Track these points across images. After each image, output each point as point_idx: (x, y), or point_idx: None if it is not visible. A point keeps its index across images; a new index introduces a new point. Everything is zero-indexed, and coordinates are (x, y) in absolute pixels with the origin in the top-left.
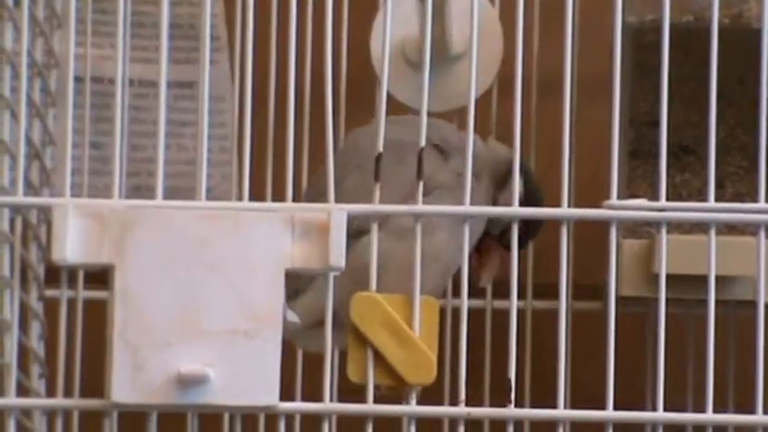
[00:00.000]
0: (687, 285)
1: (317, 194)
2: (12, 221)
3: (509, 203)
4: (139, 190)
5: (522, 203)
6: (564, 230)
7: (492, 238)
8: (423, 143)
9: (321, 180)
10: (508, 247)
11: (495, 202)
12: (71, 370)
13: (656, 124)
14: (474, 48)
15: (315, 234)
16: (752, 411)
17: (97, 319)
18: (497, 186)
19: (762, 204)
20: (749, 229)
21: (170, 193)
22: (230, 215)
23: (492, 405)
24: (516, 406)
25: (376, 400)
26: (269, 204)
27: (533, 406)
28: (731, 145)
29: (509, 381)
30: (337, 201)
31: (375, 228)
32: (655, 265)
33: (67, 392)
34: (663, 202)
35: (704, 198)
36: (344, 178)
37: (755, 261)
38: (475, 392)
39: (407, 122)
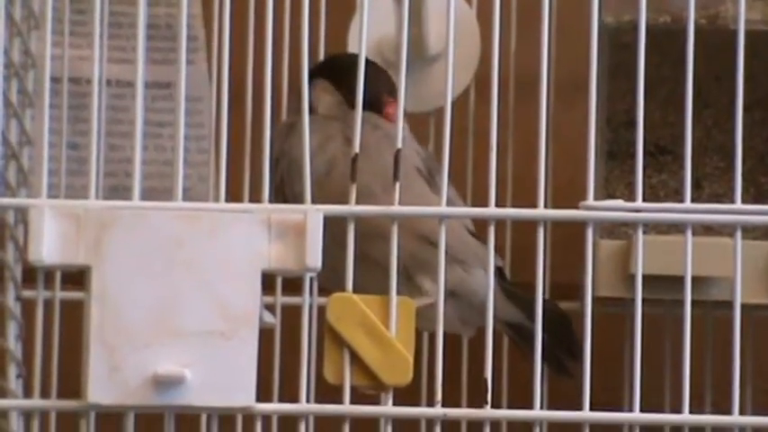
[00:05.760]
0: (664, 286)
1: None
2: None
3: None
4: (117, 190)
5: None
6: (540, 231)
7: None
8: (399, 144)
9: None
10: None
11: None
12: (48, 371)
13: (633, 124)
14: (451, 48)
15: (291, 235)
16: (729, 412)
17: (74, 320)
18: None
19: (738, 205)
20: (726, 230)
21: (147, 194)
22: (207, 216)
23: (469, 406)
24: (493, 407)
25: (355, 399)
26: (246, 205)
27: (510, 407)
28: (708, 145)
29: (485, 381)
30: None
31: (351, 228)
32: (631, 265)
33: (45, 393)
34: (639, 203)
35: (681, 198)
36: None
37: (732, 262)
38: (452, 393)
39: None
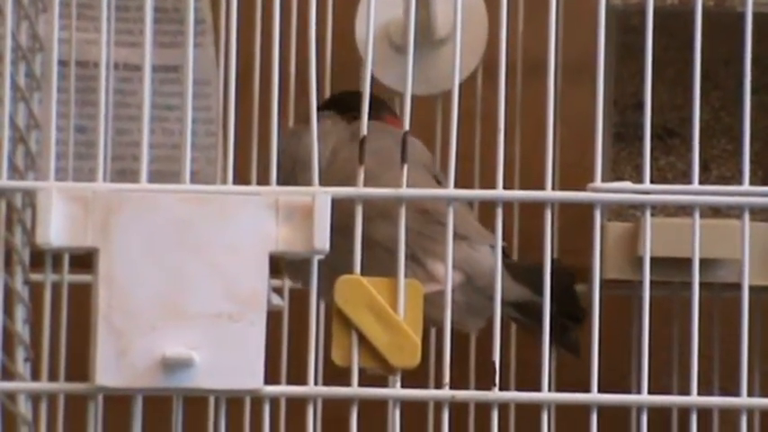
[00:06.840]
0: (672, 268)
1: None
2: None
3: None
4: (124, 174)
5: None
6: (548, 213)
7: None
8: (407, 126)
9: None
10: None
11: None
12: (56, 354)
13: (640, 107)
14: (458, 31)
15: (299, 217)
16: (737, 394)
17: (82, 303)
18: None
19: (746, 187)
20: (734, 212)
21: (155, 177)
22: (215, 198)
23: (477, 388)
24: (501, 389)
25: (363, 382)
26: (253, 188)
27: (518, 389)
28: (716, 127)
29: (493, 363)
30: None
31: (359, 210)
32: (639, 247)
33: (53, 376)
34: (647, 185)
35: (689, 181)
36: None
37: (740, 244)
38: (460, 376)
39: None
